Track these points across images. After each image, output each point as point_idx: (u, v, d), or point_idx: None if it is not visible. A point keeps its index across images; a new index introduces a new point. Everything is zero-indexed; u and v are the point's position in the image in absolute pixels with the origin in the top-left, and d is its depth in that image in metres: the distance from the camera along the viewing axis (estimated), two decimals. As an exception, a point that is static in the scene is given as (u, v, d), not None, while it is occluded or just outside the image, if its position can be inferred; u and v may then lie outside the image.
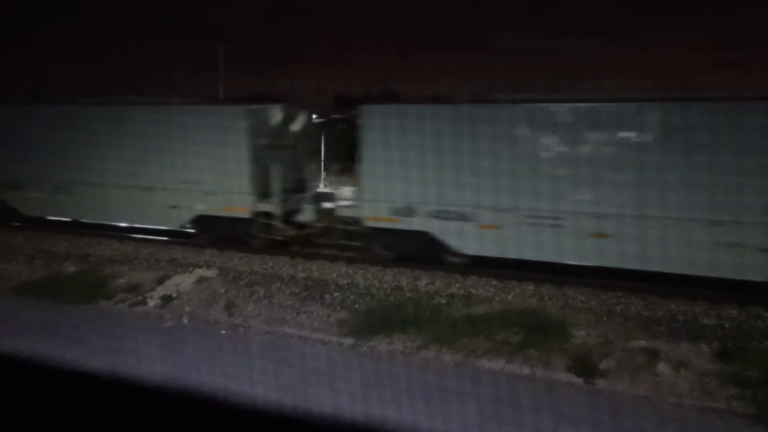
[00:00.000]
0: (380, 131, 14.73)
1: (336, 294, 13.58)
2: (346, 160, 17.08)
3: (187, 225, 17.75)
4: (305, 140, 18.11)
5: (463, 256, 14.64)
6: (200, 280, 14.79)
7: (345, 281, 14.36)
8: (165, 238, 18.59)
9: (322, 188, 17.90)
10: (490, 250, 14.19)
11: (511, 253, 13.95)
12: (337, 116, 19.09)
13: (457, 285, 13.86)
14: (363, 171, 15.20)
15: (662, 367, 9.88)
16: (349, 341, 11.72)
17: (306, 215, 17.19)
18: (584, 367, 10.11)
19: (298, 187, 17.41)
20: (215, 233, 17.34)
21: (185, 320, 13.17)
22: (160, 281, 14.83)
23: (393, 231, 15.14)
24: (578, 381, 9.95)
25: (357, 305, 12.99)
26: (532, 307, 12.46)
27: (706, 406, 9.09)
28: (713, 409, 9.02)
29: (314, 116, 18.98)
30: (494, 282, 13.89)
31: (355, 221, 15.82)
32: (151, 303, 13.99)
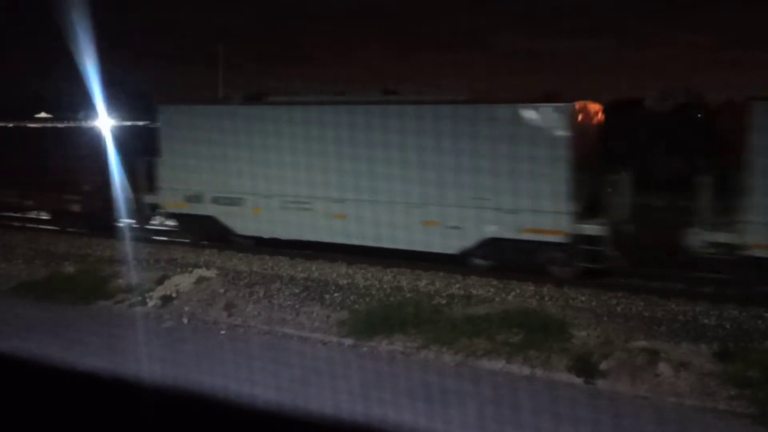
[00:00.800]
0: None
1: (336, 294, 13.57)
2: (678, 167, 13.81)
3: (471, 250, 14.32)
4: (603, 143, 15.09)
5: None
6: (200, 280, 14.78)
7: (345, 281, 14.34)
8: (164, 239, 18.58)
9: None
10: None
11: None
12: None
13: (458, 285, 13.84)
14: (754, 183, 11.83)
15: (663, 368, 9.87)
16: (349, 341, 11.71)
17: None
18: (584, 367, 10.11)
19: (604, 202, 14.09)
20: (509, 260, 14.10)
21: (185, 320, 13.16)
22: (160, 281, 14.81)
23: None
24: (578, 381, 9.94)
25: (357, 305, 12.98)
26: (533, 307, 12.45)
27: (706, 407, 9.09)
28: (713, 410, 9.01)
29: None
30: (494, 282, 13.86)
31: (725, 248, 12.48)
32: (151, 303, 13.98)
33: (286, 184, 15.62)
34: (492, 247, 14.11)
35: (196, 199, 16.89)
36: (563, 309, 12.35)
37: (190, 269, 15.40)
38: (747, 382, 9.32)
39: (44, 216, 21.10)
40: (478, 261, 14.43)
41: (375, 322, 12.01)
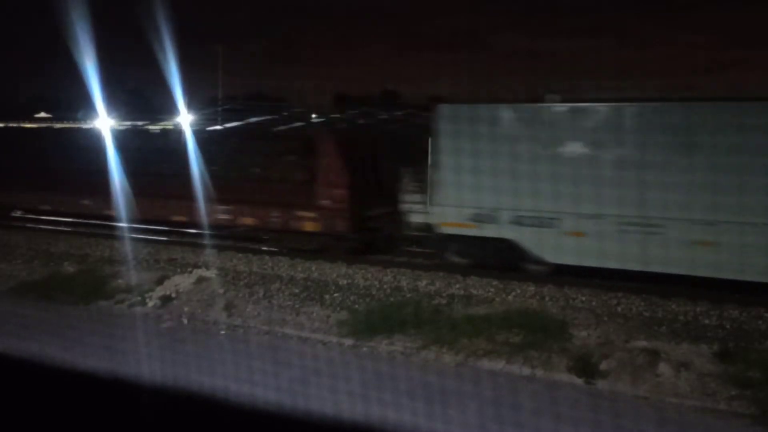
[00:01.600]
0: None
1: (336, 294, 13.56)
2: None
3: None
4: None
5: None
6: (200, 280, 14.77)
7: (345, 282, 14.33)
8: (164, 238, 18.56)
9: None
10: None
11: None
12: None
13: (458, 285, 13.83)
14: None
15: (663, 368, 9.86)
16: (349, 342, 11.70)
17: None
18: (585, 367, 10.09)
19: None
20: None
21: (185, 321, 13.15)
22: (160, 281, 14.80)
23: None
24: (579, 382, 9.93)
25: (357, 306, 12.97)
26: (533, 307, 12.45)
27: (706, 407, 9.08)
28: (714, 410, 9.00)
29: None
30: (495, 282, 13.85)
31: None
32: (151, 303, 13.96)
33: (624, 202, 12.67)
34: None
35: (487, 218, 14.02)
36: (563, 309, 12.35)
37: (189, 269, 15.40)
38: (747, 382, 9.31)
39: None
40: None
41: (375, 322, 12.00)
